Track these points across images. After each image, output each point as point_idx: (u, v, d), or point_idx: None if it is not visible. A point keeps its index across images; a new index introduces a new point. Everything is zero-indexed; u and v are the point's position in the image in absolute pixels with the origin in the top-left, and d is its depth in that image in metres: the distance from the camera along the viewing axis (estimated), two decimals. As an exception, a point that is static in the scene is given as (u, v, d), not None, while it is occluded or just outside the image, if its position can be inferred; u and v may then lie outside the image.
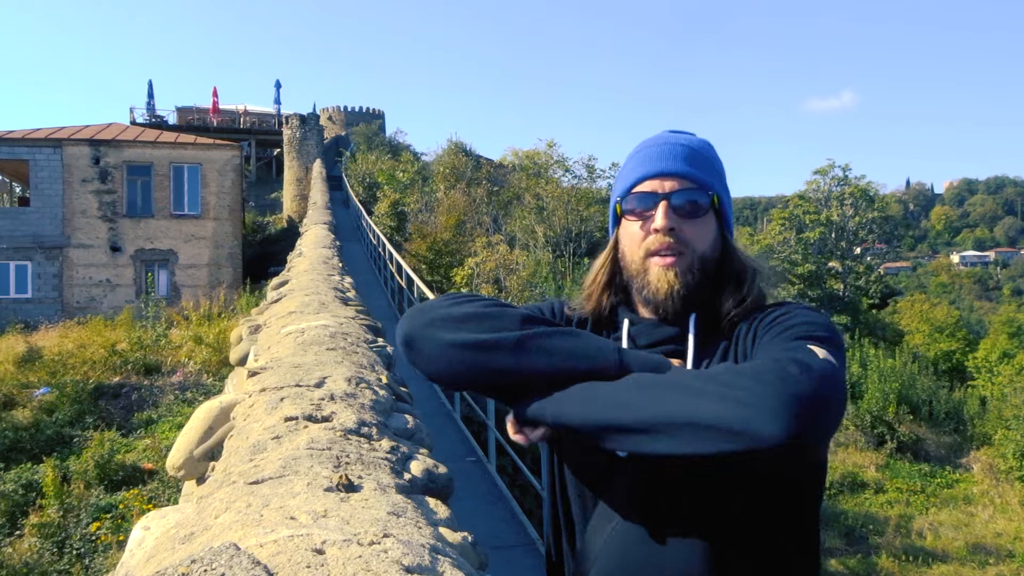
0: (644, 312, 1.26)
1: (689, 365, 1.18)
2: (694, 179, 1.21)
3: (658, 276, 1.19)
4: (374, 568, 1.22)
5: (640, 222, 1.22)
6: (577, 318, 1.33)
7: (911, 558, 12.58)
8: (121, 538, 6.86)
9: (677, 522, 1.11)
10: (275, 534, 1.37)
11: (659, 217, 1.18)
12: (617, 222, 1.29)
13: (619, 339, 1.25)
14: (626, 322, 1.27)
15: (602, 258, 1.34)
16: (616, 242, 1.29)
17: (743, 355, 1.16)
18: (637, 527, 1.14)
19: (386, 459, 2.09)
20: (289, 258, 13.89)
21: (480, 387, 1.14)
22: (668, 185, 1.20)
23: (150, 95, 42.11)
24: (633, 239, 1.24)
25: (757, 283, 1.23)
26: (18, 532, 7.96)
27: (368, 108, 58.00)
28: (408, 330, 1.15)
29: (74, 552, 7.37)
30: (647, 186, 1.21)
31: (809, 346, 1.05)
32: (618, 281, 1.29)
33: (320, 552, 1.27)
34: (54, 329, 17.96)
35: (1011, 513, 15.02)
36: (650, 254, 1.20)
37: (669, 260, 1.19)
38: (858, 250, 23.36)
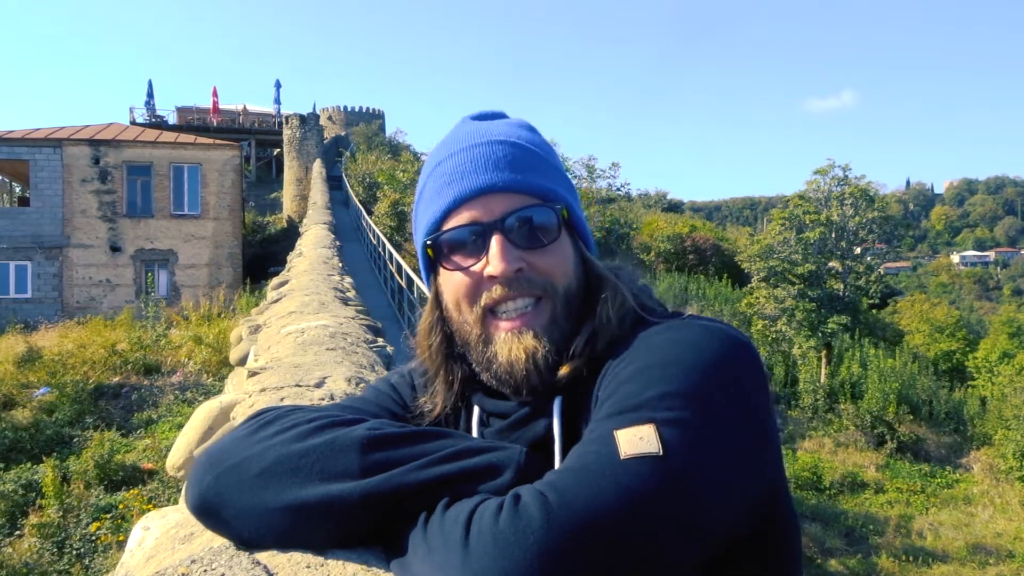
0: (497, 387, 0.88)
1: (557, 462, 0.82)
2: (531, 190, 0.85)
3: (510, 345, 0.83)
4: (374, 568, 1.22)
5: (464, 269, 0.85)
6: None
7: (911, 558, 12.59)
8: (121, 538, 6.86)
9: None
10: (275, 534, 1.36)
11: (495, 258, 0.82)
12: (432, 268, 0.91)
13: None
14: (476, 414, 0.92)
15: (425, 324, 0.94)
16: (437, 298, 0.92)
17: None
18: None
19: (386, 459, 2.08)
20: (289, 258, 13.89)
21: None
22: (497, 207, 0.83)
23: (150, 95, 42.08)
24: (459, 293, 0.86)
25: (619, 302, 0.86)
26: (18, 532, 7.95)
27: (368, 108, 58.02)
28: (201, 495, 0.83)
29: (74, 552, 7.36)
30: (464, 215, 0.84)
31: (617, 431, 0.69)
32: (459, 352, 0.91)
33: (320, 552, 1.27)
34: (54, 329, 17.95)
35: (1011, 513, 15.02)
36: (490, 313, 0.85)
37: (521, 320, 0.83)
38: (858, 250, 23.33)
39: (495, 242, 0.83)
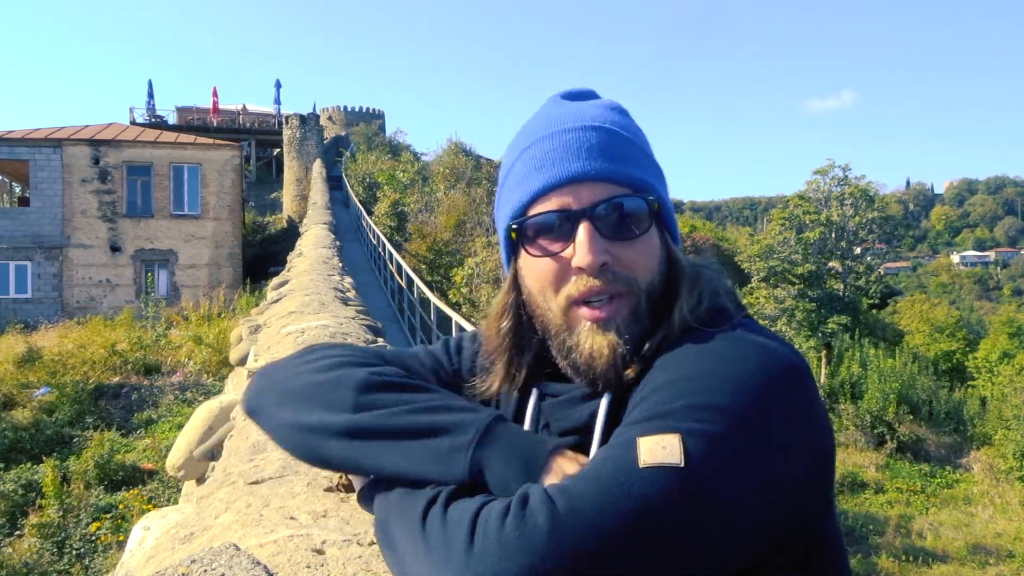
0: (572, 376, 0.87)
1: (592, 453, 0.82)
2: (623, 179, 0.82)
3: (592, 338, 0.81)
4: (374, 568, 1.22)
5: (551, 256, 0.83)
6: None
7: (911, 558, 12.59)
8: (121, 538, 6.86)
9: None
10: (275, 534, 1.37)
11: (582, 249, 0.80)
12: (514, 252, 0.89)
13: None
14: (533, 397, 0.91)
15: (499, 306, 0.92)
16: (516, 281, 0.90)
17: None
18: None
19: (386, 459, 2.09)
20: (289, 258, 13.89)
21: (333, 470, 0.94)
22: (587, 196, 0.81)
23: (150, 95, 42.09)
24: (543, 281, 0.84)
25: (692, 306, 0.83)
26: (18, 532, 7.96)
27: (368, 108, 58.04)
28: (248, 401, 0.95)
29: (74, 552, 7.37)
30: (553, 201, 0.82)
31: (640, 438, 0.68)
32: (529, 338, 0.90)
33: (320, 552, 1.27)
34: (54, 329, 17.96)
35: (1011, 513, 15.02)
36: (574, 303, 0.83)
37: (605, 312, 0.81)
38: (858, 250, 23.34)
39: (583, 230, 0.80)
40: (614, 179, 0.82)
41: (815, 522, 0.77)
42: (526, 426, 0.89)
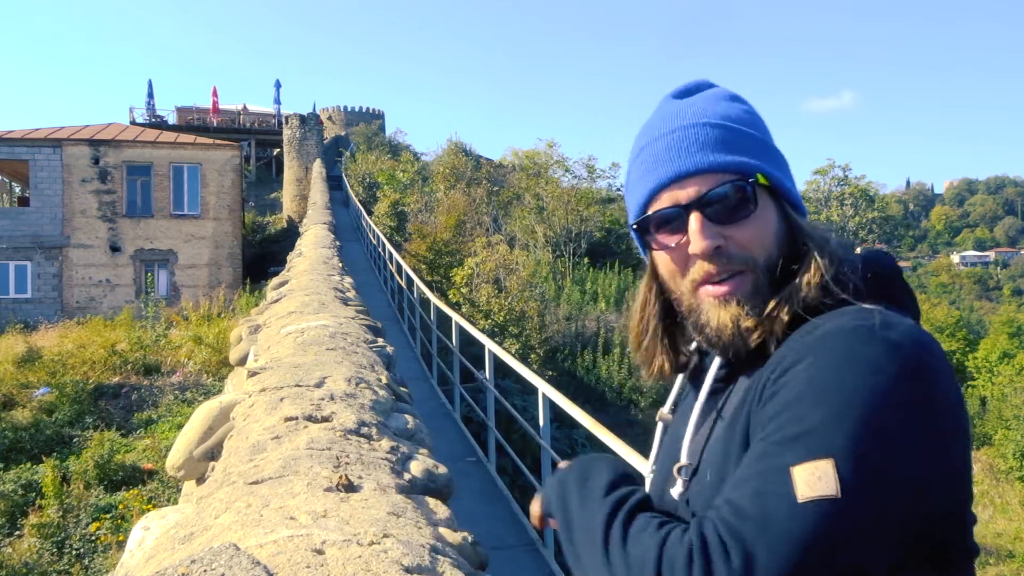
0: (709, 351, 0.96)
1: (687, 448, 0.91)
2: (727, 168, 0.89)
3: (715, 314, 0.89)
4: (374, 568, 1.22)
5: (671, 247, 0.92)
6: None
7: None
8: (121, 538, 6.86)
9: None
10: (275, 534, 1.37)
11: (694, 237, 0.88)
12: (647, 244, 0.99)
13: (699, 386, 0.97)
14: (715, 364, 0.95)
15: (642, 295, 1.02)
16: (654, 270, 1.00)
17: (740, 432, 0.83)
18: None
19: (386, 459, 2.09)
20: (289, 258, 13.89)
21: None
22: (692, 189, 0.89)
23: (150, 95, 42.07)
24: (671, 269, 0.94)
25: (809, 277, 0.87)
26: (18, 532, 7.95)
27: (368, 108, 58.06)
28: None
29: (74, 552, 7.36)
30: (665, 199, 0.91)
31: (794, 468, 0.71)
32: (672, 319, 1.00)
33: (320, 552, 1.27)
34: (54, 329, 17.95)
35: (1011, 513, 15.02)
36: (699, 285, 0.91)
37: (724, 289, 0.89)
38: (858, 250, 23.38)
39: (694, 220, 0.88)
40: (714, 169, 0.89)
41: (962, 513, 0.79)
42: (707, 386, 0.94)
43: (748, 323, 0.87)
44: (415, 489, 2.03)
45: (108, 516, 7.85)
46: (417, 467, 2.21)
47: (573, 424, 9.01)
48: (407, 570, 1.25)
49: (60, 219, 23.59)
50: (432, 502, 1.96)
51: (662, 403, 1.10)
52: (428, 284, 14.82)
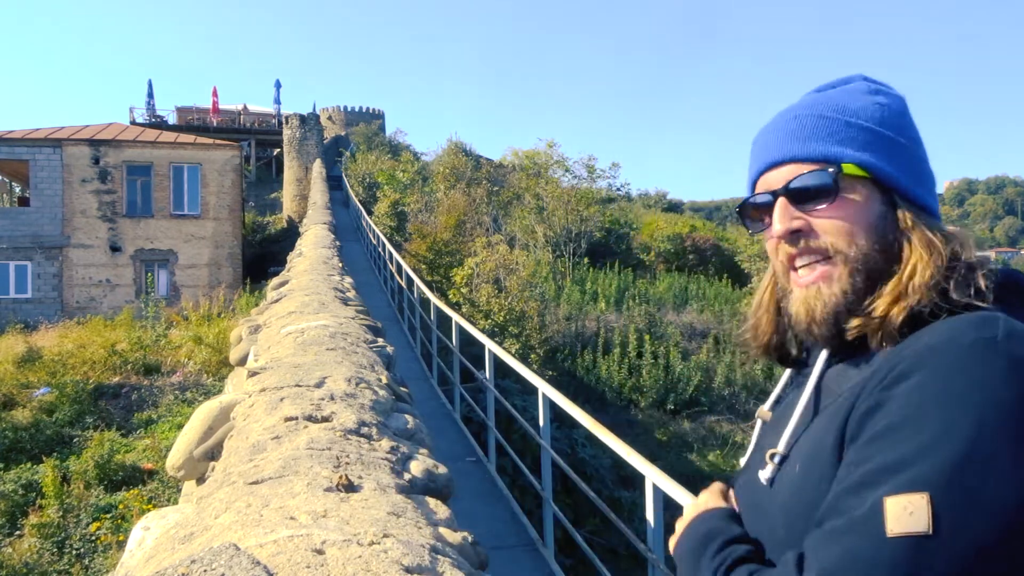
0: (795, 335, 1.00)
1: (785, 438, 0.89)
2: (810, 158, 0.91)
3: (797, 300, 0.91)
4: (374, 568, 1.22)
5: (765, 230, 0.96)
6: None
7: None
8: (121, 538, 6.86)
9: None
10: (275, 534, 1.37)
11: (775, 220, 0.92)
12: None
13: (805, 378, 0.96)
14: (822, 357, 0.93)
15: (765, 279, 1.05)
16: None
17: (835, 430, 0.80)
18: None
19: (386, 459, 2.09)
20: (289, 258, 13.89)
21: None
22: (781, 177, 0.92)
23: (150, 95, 42.06)
24: (769, 250, 0.98)
25: (918, 277, 0.83)
26: (18, 532, 7.95)
27: (368, 108, 58.05)
28: None
29: (74, 552, 7.36)
30: (762, 184, 0.96)
31: (887, 500, 0.69)
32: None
33: (320, 552, 1.27)
34: (54, 329, 17.95)
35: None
36: (789, 269, 0.94)
37: (805, 279, 0.90)
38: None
39: (777, 206, 0.92)
40: (801, 159, 0.92)
41: None
42: (813, 380, 0.92)
43: (826, 313, 0.87)
44: (415, 489, 2.03)
45: (108, 516, 7.86)
46: (417, 467, 2.21)
47: (573, 424, 9.01)
48: (407, 570, 1.25)
49: (60, 219, 23.59)
50: (432, 502, 1.96)
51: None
52: (428, 284, 14.82)
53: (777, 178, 0.93)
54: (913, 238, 0.86)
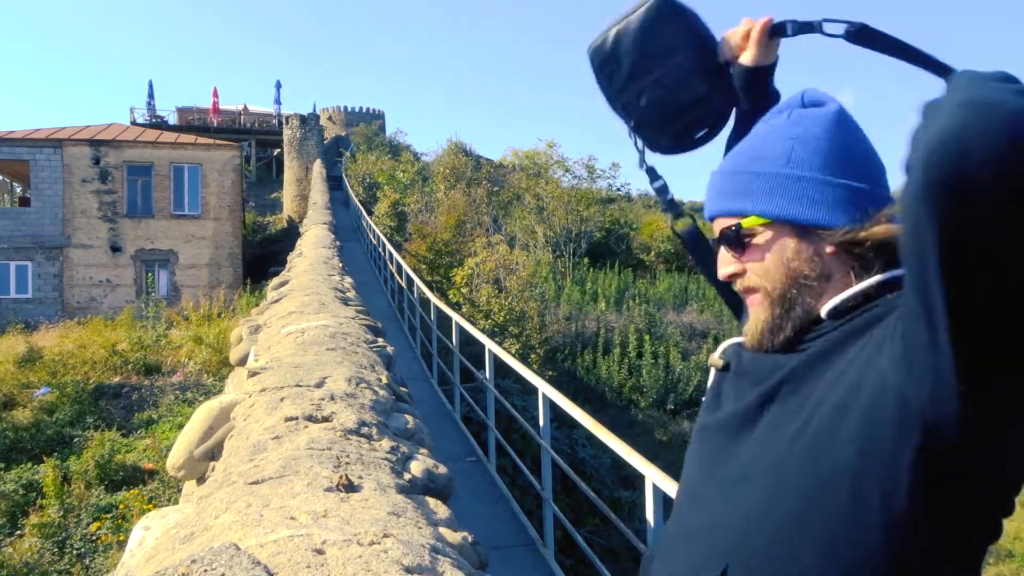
0: None
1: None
2: (722, 213, 1.07)
3: (748, 322, 1.06)
4: (374, 568, 1.22)
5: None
6: None
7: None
8: (121, 538, 6.86)
9: None
10: (275, 534, 1.37)
11: (719, 264, 1.08)
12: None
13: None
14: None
15: None
16: None
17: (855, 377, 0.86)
18: None
19: (386, 459, 2.09)
20: (289, 258, 13.90)
21: None
22: (716, 230, 1.09)
23: (150, 95, 42.09)
24: None
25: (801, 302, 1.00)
26: (18, 532, 7.96)
27: (368, 108, 58.01)
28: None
29: (74, 552, 7.37)
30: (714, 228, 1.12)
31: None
32: None
33: (320, 552, 1.27)
34: (54, 329, 17.95)
35: (1011, 513, 14.98)
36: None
37: (750, 303, 1.06)
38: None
39: (720, 251, 1.08)
40: (720, 214, 1.07)
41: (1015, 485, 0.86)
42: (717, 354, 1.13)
43: (759, 335, 1.02)
44: (415, 489, 2.03)
45: (109, 516, 7.86)
46: (417, 467, 2.21)
47: (573, 424, 9.01)
48: (407, 570, 1.26)
49: (61, 219, 23.59)
50: (432, 502, 1.96)
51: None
52: (428, 284, 14.82)
53: (715, 228, 1.08)
54: (829, 265, 0.99)
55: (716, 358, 1.14)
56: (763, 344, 1.02)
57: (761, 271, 1.03)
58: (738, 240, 1.04)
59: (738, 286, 1.06)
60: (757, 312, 1.03)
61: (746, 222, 1.03)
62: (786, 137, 1.03)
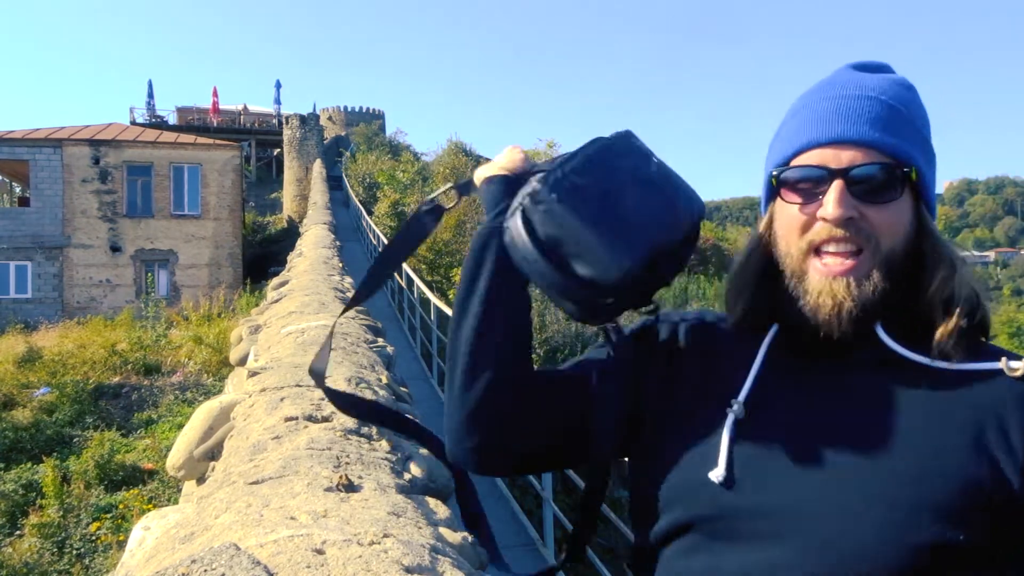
0: (796, 321, 0.92)
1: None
2: (887, 150, 0.87)
3: (820, 286, 0.87)
4: (374, 568, 1.22)
5: (802, 204, 0.90)
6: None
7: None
8: (121, 538, 6.86)
9: None
10: (275, 534, 1.37)
11: (830, 203, 0.86)
12: (772, 196, 0.96)
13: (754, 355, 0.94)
14: (770, 336, 0.95)
15: (751, 242, 1.00)
16: (771, 222, 0.97)
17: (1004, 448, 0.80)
18: None
19: (386, 459, 2.09)
20: (289, 258, 13.91)
21: None
22: (846, 157, 0.87)
23: (150, 95, 42.12)
24: (791, 225, 0.91)
25: (958, 290, 0.87)
26: (18, 532, 7.96)
27: (368, 108, 58.02)
28: None
29: (74, 552, 7.37)
30: (815, 156, 0.89)
31: None
32: (771, 273, 0.95)
33: (320, 552, 1.27)
34: (54, 329, 17.96)
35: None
36: (814, 250, 0.89)
37: (839, 266, 0.87)
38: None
39: (835, 187, 0.86)
40: (876, 146, 0.87)
41: None
42: (758, 361, 0.92)
43: (854, 307, 0.85)
44: (415, 489, 2.03)
45: (108, 516, 7.86)
46: (417, 467, 2.21)
47: (573, 424, 8.99)
48: (407, 570, 1.26)
49: (60, 219, 23.60)
50: (432, 502, 1.96)
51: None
52: (428, 284, 14.82)
53: (838, 157, 0.87)
54: (932, 250, 0.89)
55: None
56: (851, 320, 0.86)
57: (888, 231, 0.87)
58: (893, 189, 0.86)
59: (838, 236, 0.87)
60: (852, 281, 0.86)
61: (914, 174, 0.88)
62: (919, 102, 0.93)
